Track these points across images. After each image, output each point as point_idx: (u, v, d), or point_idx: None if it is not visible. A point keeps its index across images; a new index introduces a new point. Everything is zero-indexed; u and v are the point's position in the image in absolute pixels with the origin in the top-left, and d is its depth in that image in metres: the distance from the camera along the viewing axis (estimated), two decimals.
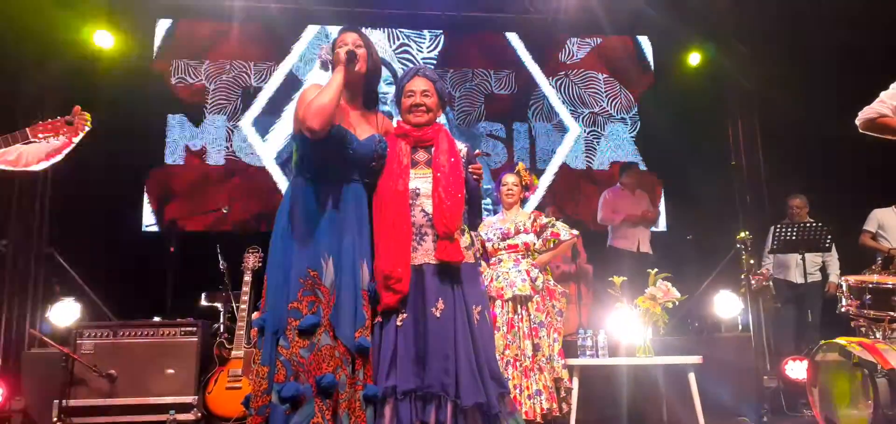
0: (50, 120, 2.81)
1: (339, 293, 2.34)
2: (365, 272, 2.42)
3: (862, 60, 5.62)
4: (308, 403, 2.21)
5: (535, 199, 7.13)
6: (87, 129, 2.87)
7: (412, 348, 2.40)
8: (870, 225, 5.47)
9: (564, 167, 7.35)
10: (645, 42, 7.71)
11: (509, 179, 4.36)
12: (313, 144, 2.37)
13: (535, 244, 4.25)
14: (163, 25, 6.95)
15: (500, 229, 4.26)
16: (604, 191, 6.48)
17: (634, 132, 7.52)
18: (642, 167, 7.32)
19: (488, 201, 5.86)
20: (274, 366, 2.25)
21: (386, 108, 6.90)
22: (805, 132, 6.21)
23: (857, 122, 3.10)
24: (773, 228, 5.75)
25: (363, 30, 2.58)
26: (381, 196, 2.52)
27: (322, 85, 2.42)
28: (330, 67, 2.49)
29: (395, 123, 2.72)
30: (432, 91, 2.63)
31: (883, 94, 3.07)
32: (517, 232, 4.22)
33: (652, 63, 7.67)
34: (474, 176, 2.68)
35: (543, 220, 4.31)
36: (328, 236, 2.37)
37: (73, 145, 2.90)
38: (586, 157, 7.43)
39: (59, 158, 2.94)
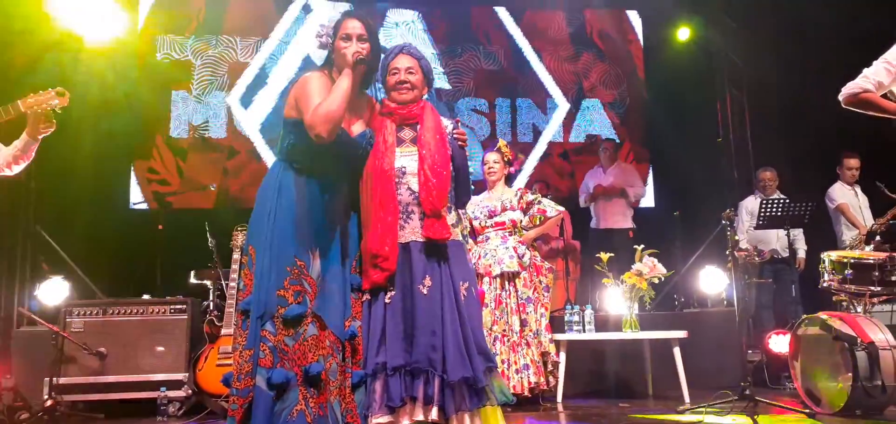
0: (40, 92, 2.82)
1: (326, 285, 2.35)
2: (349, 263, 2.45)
3: (850, 36, 5.63)
4: (292, 391, 2.22)
5: (523, 175, 7.15)
6: (52, 127, 2.91)
7: (400, 324, 2.43)
8: (840, 198, 5.48)
9: (551, 143, 7.36)
10: (634, 16, 7.68)
11: (491, 157, 4.36)
12: (306, 137, 2.34)
13: (521, 221, 4.28)
14: (147, 0, 6.85)
15: (487, 206, 4.28)
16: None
17: (622, 108, 7.53)
18: (621, 141, 7.38)
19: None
20: (258, 349, 2.26)
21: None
22: (792, 109, 6.24)
23: (840, 97, 3.12)
24: (741, 203, 5.82)
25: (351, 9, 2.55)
26: (368, 176, 2.53)
27: (320, 73, 2.41)
28: (329, 49, 2.46)
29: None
30: (417, 68, 2.62)
31: (866, 70, 3.08)
32: (504, 209, 4.25)
33: (641, 38, 7.65)
34: (459, 142, 2.67)
35: (530, 197, 4.33)
36: (315, 227, 2.38)
37: (38, 144, 2.96)
38: (574, 132, 7.43)
39: (27, 161, 2.98)
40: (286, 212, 2.36)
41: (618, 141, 7.01)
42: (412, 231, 2.51)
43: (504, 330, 4.07)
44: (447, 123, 2.69)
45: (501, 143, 4.42)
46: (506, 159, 4.37)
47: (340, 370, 2.33)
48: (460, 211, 2.69)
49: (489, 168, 4.33)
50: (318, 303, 2.32)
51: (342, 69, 2.40)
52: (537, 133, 7.39)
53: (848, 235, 5.34)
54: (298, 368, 2.25)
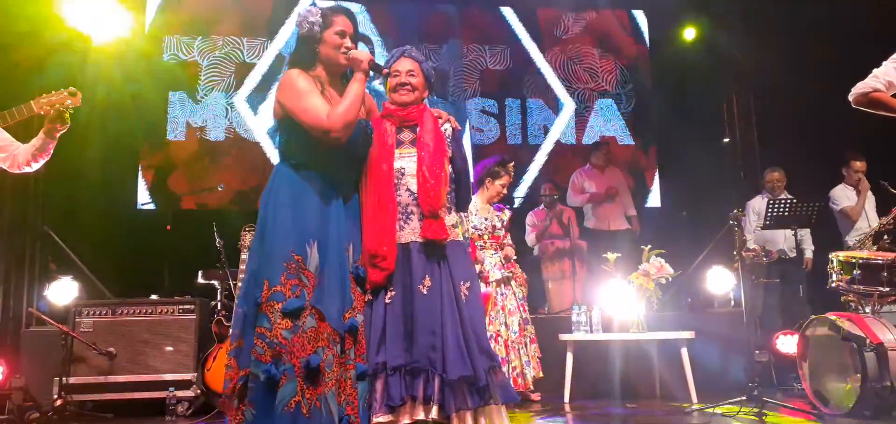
0: (54, 92, 2.82)
1: (324, 276, 2.35)
2: (350, 254, 2.44)
3: (858, 35, 5.61)
4: (290, 382, 2.23)
5: (530, 174, 7.15)
6: (67, 126, 2.90)
7: (400, 324, 2.45)
8: (843, 202, 5.46)
9: (558, 143, 7.36)
10: (640, 16, 7.67)
11: (505, 176, 4.47)
12: (300, 133, 2.37)
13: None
14: (155, 1, 6.88)
15: (487, 220, 4.42)
16: (574, 172, 6.50)
17: (629, 108, 7.52)
18: (627, 142, 7.36)
19: None
20: (253, 344, 2.28)
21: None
22: (799, 108, 6.21)
23: (850, 97, 3.12)
24: (748, 203, 5.80)
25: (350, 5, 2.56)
26: (367, 176, 2.56)
27: (304, 73, 2.41)
28: (315, 37, 2.44)
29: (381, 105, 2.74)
30: (417, 71, 2.67)
31: (876, 70, 3.08)
32: (502, 225, 4.47)
33: (647, 38, 7.64)
34: (448, 125, 2.70)
35: (508, 224, 4.55)
36: (313, 221, 2.38)
37: (55, 143, 2.96)
38: (578, 132, 7.42)
39: (45, 159, 2.99)
40: (283, 209, 2.37)
41: (608, 145, 6.99)
42: (411, 232, 2.53)
43: (498, 331, 4.18)
44: (446, 128, 2.71)
45: (510, 165, 4.54)
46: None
47: (338, 362, 2.32)
48: (462, 213, 2.71)
49: (503, 186, 4.45)
50: (316, 295, 2.32)
51: (326, 63, 2.46)
52: (547, 134, 7.37)
53: (852, 236, 5.32)
54: (297, 360, 2.25)
